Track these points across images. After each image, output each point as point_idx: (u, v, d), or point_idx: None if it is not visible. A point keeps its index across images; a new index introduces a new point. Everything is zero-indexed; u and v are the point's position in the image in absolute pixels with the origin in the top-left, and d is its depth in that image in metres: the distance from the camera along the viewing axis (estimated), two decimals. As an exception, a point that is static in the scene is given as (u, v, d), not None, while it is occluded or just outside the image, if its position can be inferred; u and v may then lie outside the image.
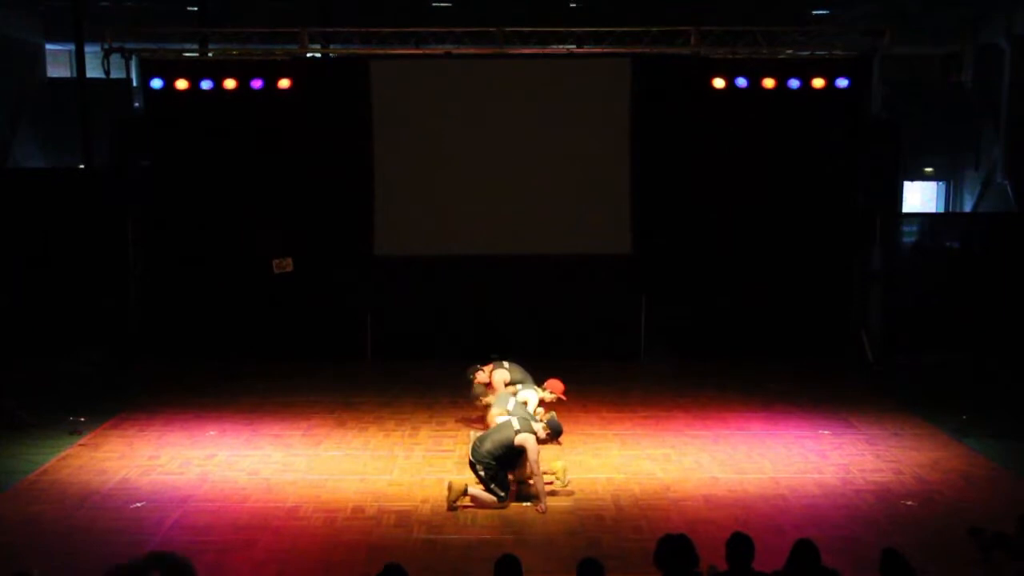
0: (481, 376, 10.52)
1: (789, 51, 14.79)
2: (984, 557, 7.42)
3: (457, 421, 11.50)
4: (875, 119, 14.78)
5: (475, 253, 14.61)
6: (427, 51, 14.85)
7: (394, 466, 10.03)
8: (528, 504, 8.84)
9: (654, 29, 14.35)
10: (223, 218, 14.63)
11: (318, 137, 14.59)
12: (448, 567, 7.62)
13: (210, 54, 15.12)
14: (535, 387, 10.16)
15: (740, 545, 5.52)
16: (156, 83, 14.43)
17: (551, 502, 8.85)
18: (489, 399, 9.69)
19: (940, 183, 21.59)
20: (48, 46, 21.46)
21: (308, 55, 14.99)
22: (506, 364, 10.62)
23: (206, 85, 14.37)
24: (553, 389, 10.07)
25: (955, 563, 7.50)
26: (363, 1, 18.82)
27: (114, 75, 14.24)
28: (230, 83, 14.34)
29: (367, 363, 14.69)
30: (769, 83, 14.42)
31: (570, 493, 9.15)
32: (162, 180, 14.68)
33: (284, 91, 14.43)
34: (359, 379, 13.73)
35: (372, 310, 14.87)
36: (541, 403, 9.98)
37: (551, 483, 9.17)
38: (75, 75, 17.84)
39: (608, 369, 13.97)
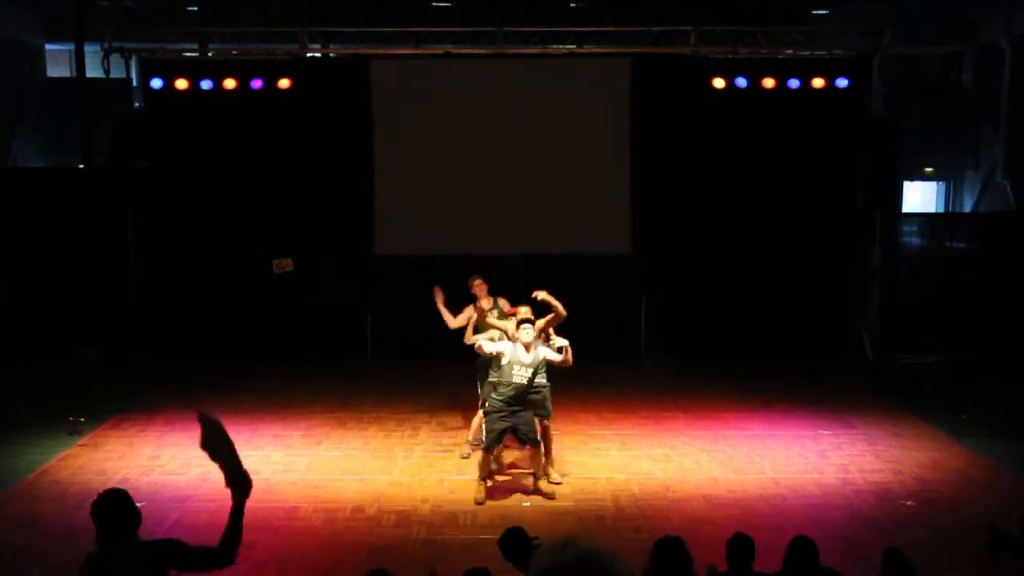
0: (478, 288, 10.44)
1: (789, 51, 14.76)
2: (992, 558, 7.39)
3: (457, 421, 11.50)
4: (875, 119, 14.76)
5: (475, 253, 14.54)
6: (427, 51, 14.83)
7: (394, 466, 10.03)
8: (528, 503, 8.83)
9: (654, 29, 14.33)
10: (223, 218, 14.62)
11: (318, 137, 14.58)
12: (448, 567, 7.61)
13: (210, 54, 15.09)
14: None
15: (741, 545, 5.50)
16: (156, 83, 14.42)
17: (551, 502, 8.86)
18: (485, 303, 9.86)
19: (940, 183, 21.60)
20: (48, 46, 21.42)
21: (308, 55, 14.97)
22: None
23: (206, 85, 14.35)
24: (511, 311, 9.73)
25: (955, 563, 7.49)
26: (363, 1, 18.79)
27: (114, 75, 14.23)
28: (230, 83, 14.33)
29: (367, 363, 14.67)
30: (769, 83, 14.41)
31: (570, 494, 9.16)
32: (162, 180, 14.67)
33: (284, 91, 14.41)
34: (359, 379, 13.70)
35: (372, 310, 14.87)
36: (521, 324, 9.39)
37: (542, 478, 9.20)
38: (75, 75, 17.80)
39: (608, 369, 13.94)
